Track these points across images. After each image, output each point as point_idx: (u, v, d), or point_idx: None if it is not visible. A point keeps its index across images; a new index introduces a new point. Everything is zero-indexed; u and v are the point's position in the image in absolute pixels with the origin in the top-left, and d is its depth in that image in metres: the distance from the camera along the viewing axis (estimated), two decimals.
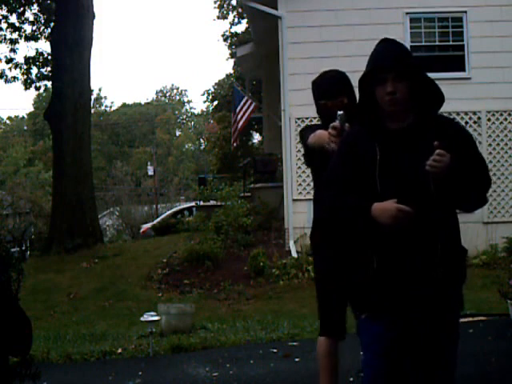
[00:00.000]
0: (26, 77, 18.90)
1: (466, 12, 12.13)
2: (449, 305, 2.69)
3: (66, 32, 16.03)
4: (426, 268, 2.59)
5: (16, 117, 63.93)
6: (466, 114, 12.09)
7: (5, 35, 18.52)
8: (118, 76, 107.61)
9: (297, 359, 5.76)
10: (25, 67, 18.85)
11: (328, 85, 3.59)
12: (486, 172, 2.69)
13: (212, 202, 16.31)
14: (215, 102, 34.71)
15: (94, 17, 16.70)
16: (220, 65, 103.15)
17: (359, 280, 2.71)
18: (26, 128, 60.24)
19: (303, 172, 11.80)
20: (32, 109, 57.24)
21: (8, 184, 30.83)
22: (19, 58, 19.17)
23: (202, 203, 17.06)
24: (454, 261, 2.68)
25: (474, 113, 12.11)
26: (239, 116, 15.59)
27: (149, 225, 20.29)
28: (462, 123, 12.08)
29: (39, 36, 18.93)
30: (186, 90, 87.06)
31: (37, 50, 18.77)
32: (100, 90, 70.46)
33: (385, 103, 2.63)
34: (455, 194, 2.59)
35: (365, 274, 2.68)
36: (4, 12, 18.30)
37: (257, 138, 32.47)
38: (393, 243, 2.60)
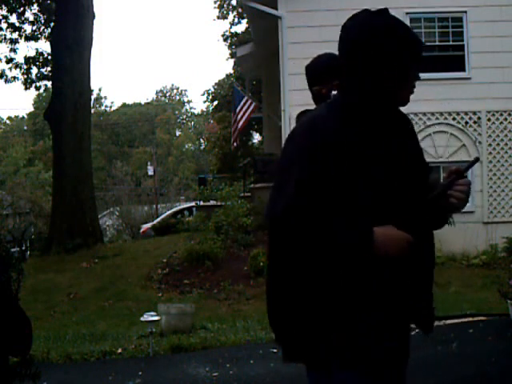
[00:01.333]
0: (26, 77, 18.94)
1: (466, 12, 12.13)
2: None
3: (66, 32, 16.05)
4: (417, 312, 2.01)
5: (16, 117, 63.91)
6: (466, 113, 12.09)
7: (5, 35, 18.57)
8: (118, 76, 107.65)
9: None
10: (25, 67, 18.88)
11: (319, 69, 3.40)
12: None
13: (212, 202, 16.31)
14: (215, 102, 34.66)
15: (94, 17, 16.73)
16: (220, 65, 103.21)
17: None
18: (26, 128, 60.15)
19: None
20: (32, 109, 57.17)
21: (8, 184, 30.84)
22: (19, 58, 19.28)
23: (202, 203, 17.05)
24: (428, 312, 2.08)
25: (474, 113, 12.11)
26: (239, 116, 15.60)
27: (149, 225, 20.27)
28: (462, 123, 12.10)
29: (39, 36, 18.97)
30: (186, 90, 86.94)
31: (37, 50, 18.84)
32: (100, 90, 70.39)
33: (404, 97, 2.03)
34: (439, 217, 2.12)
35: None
36: (4, 12, 18.36)
37: (257, 138, 32.45)
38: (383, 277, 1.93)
